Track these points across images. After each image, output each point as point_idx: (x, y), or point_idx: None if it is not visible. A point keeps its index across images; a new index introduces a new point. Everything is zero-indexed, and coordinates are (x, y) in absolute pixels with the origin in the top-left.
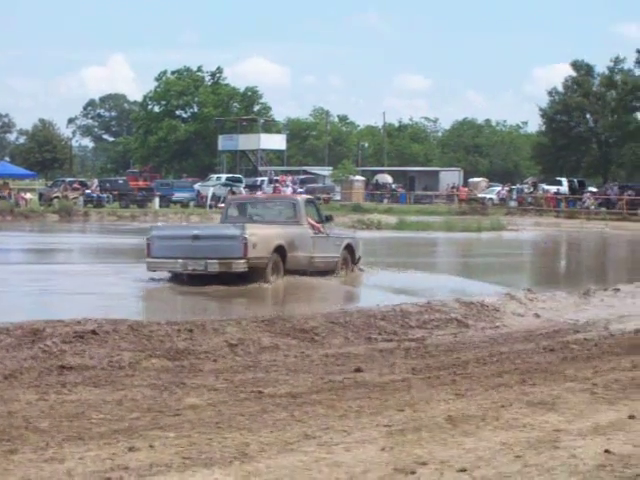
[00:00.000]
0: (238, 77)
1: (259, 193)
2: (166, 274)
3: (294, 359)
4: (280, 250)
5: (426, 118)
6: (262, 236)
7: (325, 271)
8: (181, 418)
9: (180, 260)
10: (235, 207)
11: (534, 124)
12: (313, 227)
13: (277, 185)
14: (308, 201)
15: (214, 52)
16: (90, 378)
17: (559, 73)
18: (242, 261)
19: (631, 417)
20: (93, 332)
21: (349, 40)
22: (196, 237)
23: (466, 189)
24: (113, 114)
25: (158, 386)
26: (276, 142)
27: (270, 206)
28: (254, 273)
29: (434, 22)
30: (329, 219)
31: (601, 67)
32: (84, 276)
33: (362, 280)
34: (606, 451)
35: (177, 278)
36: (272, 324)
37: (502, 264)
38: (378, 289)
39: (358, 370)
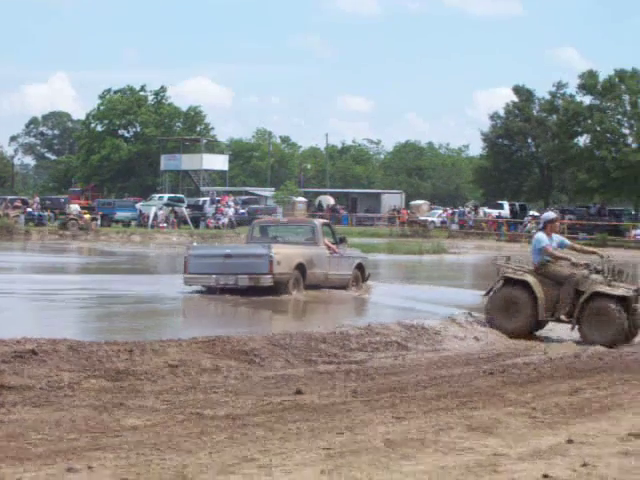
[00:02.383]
0: (180, 97)
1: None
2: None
3: (234, 381)
4: (300, 267)
5: (369, 140)
6: (285, 255)
7: (338, 286)
8: (120, 439)
9: (214, 276)
10: (259, 229)
11: (476, 147)
12: (329, 248)
13: (219, 206)
14: (325, 224)
15: (156, 71)
16: (29, 398)
17: (500, 97)
18: (268, 276)
19: (570, 441)
20: (32, 352)
21: (290, 61)
22: (228, 256)
23: (407, 211)
24: (56, 132)
25: (97, 407)
26: (219, 163)
27: (291, 229)
28: (278, 287)
29: (375, 44)
30: (343, 241)
31: (542, 92)
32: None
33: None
34: (545, 476)
35: (210, 290)
36: (212, 345)
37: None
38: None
39: (298, 392)
